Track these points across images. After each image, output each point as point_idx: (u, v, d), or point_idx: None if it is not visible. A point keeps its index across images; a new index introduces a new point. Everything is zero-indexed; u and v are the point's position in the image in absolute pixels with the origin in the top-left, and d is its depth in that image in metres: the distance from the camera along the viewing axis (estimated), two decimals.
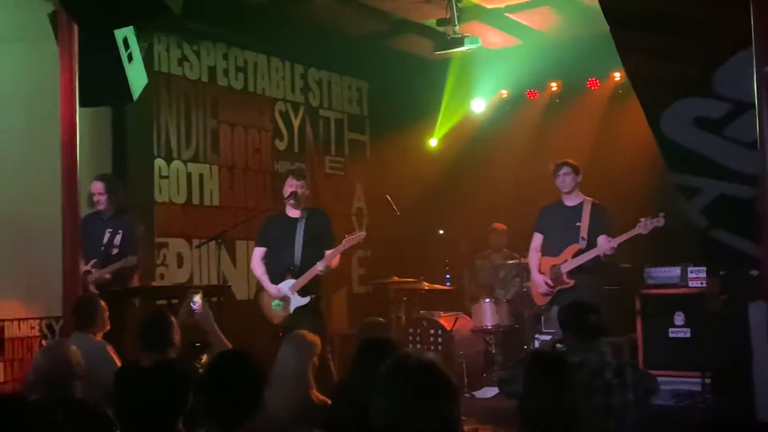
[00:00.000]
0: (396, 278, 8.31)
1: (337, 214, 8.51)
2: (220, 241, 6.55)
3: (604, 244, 6.29)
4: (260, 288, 6.57)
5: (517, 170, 9.17)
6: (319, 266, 6.26)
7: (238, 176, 8.44)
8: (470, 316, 8.18)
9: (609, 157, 8.58)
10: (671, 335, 7.06)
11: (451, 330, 7.92)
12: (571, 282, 6.39)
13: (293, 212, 6.44)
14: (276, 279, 6.41)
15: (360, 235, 6.27)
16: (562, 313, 4.55)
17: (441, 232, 9.96)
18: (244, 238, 8.12)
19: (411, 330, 8.05)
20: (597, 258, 6.34)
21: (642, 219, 6.12)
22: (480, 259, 8.95)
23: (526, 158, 9.03)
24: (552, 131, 9.09)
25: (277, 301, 6.41)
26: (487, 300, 8.06)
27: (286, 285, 6.35)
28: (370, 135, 9.97)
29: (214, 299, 6.38)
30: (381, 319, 5.69)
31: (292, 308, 6.30)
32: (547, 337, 7.50)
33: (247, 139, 8.58)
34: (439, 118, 9.89)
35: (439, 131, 9.98)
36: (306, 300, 6.28)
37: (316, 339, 4.63)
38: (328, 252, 6.35)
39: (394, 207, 7.93)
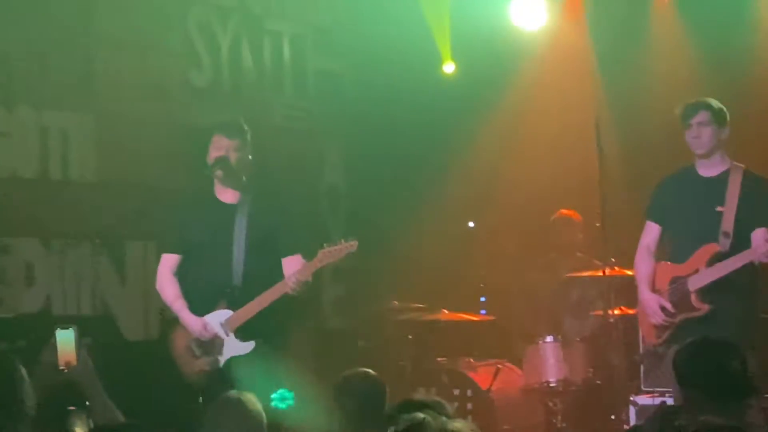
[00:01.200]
0: (396, 303, 8.37)
1: (295, 196, 8.49)
2: (98, 241, 6.76)
3: (761, 243, 6.31)
4: (172, 320, 6.54)
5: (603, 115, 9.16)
6: (277, 291, 6.21)
7: (129, 133, 8.34)
8: (521, 367, 8.26)
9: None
10: None
11: (490, 389, 8.00)
12: (705, 308, 6.45)
13: (227, 194, 6.43)
14: (200, 307, 6.36)
15: (347, 246, 6.24)
16: (680, 359, 4.64)
17: (471, 225, 9.96)
18: (140, 236, 8.12)
19: (422, 389, 8.10)
20: (749, 267, 6.36)
21: None
22: (538, 269, 9.00)
23: (620, 97, 9.09)
24: (668, 49, 9.26)
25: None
26: (550, 339, 8.12)
27: (217, 319, 6.32)
28: (351, 63, 9.95)
29: (88, 339, 6.37)
30: (370, 372, 5.72)
31: (223, 358, 6.31)
32: (656, 401, 7.50)
33: (144, 71, 8.51)
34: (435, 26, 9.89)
35: (443, 46, 9.96)
36: (248, 347, 6.28)
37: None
38: (288, 261, 6.30)
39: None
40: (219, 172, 6.34)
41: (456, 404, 7.98)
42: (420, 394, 7.95)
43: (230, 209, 6.38)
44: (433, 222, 9.49)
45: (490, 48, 9.81)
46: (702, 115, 6.53)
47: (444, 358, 8.37)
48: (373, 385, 5.42)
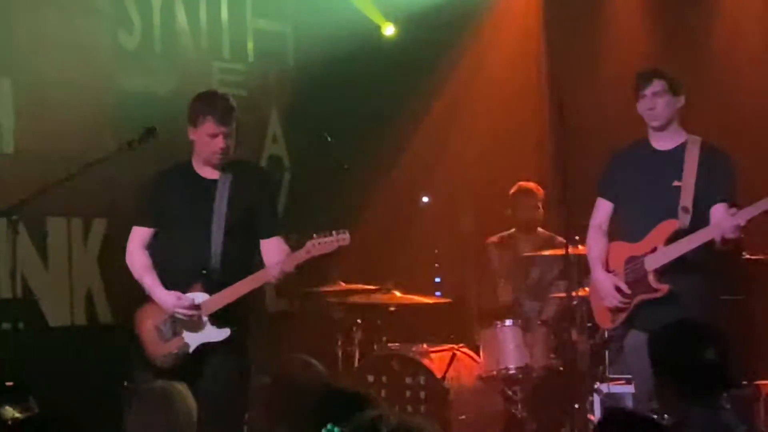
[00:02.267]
0: (343, 284, 8.27)
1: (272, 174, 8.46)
2: (15, 218, 6.52)
3: (724, 219, 6.24)
4: (142, 298, 6.48)
5: (561, 84, 9.09)
6: (259, 279, 6.27)
7: (51, 98, 8.27)
8: (478, 353, 8.20)
9: (724, 67, 8.63)
10: None
11: (445, 377, 7.90)
12: (664, 288, 6.38)
13: (207, 170, 6.42)
14: (173, 287, 6.36)
15: (338, 239, 6.28)
16: (655, 346, 4.60)
17: (425, 200, 9.91)
18: (64, 212, 8.07)
19: (371, 378, 8.04)
20: (709, 245, 6.28)
21: None
22: (496, 246, 8.97)
23: (578, 63, 9.17)
24: (625, 15, 9.34)
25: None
26: (509, 322, 8.10)
27: (195, 300, 6.33)
28: (293, 23, 9.90)
29: (8, 325, 6.21)
30: (310, 359, 5.63)
31: (194, 343, 6.30)
32: (621, 389, 7.45)
33: (68, 31, 8.41)
34: None
35: (369, 11, 9.90)
36: (223, 333, 6.25)
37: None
38: (267, 244, 6.34)
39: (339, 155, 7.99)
40: (219, 157, 6.32)
41: (408, 393, 7.98)
42: (371, 386, 7.93)
43: (210, 185, 6.39)
44: (383, 197, 9.53)
45: (436, 10, 9.78)
46: (656, 85, 6.47)
47: (395, 344, 8.36)
48: (312, 373, 5.34)
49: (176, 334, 6.30)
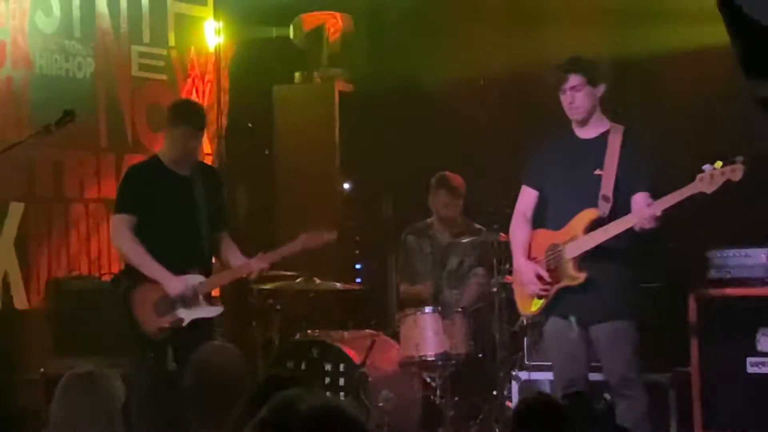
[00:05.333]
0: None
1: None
2: None
3: (642, 208, 6.33)
4: (136, 278, 6.92)
5: (485, 61, 9.18)
6: (258, 263, 7.06)
7: None
8: (398, 340, 8.23)
9: (637, 52, 8.78)
10: (751, 369, 7.28)
11: (364, 363, 7.97)
12: (582, 276, 6.49)
13: (179, 167, 7.07)
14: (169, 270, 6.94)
15: (328, 235, 7.18)
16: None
17: (346, 186, 9.95)
18: None
19: (291, 364, 8.09)
20: (630, 234, 6.38)
21: (706, 167, 6.16)
22: (415, 234, 8.97)
23: (499, 41, 9.15)
24: None
25: None
26: (428, 310, 8.11)
27: (190, 282, 6.96)
28: (214, 8, 9.86)
29: None
30: (226, 345, 5.67)
31: (189, 318, 6.96)
32: (539, 376, 7.58)
33: None
34: None
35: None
36: (216, 310, 7.14)
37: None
38: (225, 238, 7.19)
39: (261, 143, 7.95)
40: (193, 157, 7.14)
41: (327, 380, 7.95)
42: (290, 372, 7.95)
43: (186, 183, 7.02)
44: (304, 183, 9.50)
45: None
46: (573, 80, 6.51)
47: (315, 330, 8.30)
48: (229, 359, 5.33)
49: (171, 310, 6.93)
